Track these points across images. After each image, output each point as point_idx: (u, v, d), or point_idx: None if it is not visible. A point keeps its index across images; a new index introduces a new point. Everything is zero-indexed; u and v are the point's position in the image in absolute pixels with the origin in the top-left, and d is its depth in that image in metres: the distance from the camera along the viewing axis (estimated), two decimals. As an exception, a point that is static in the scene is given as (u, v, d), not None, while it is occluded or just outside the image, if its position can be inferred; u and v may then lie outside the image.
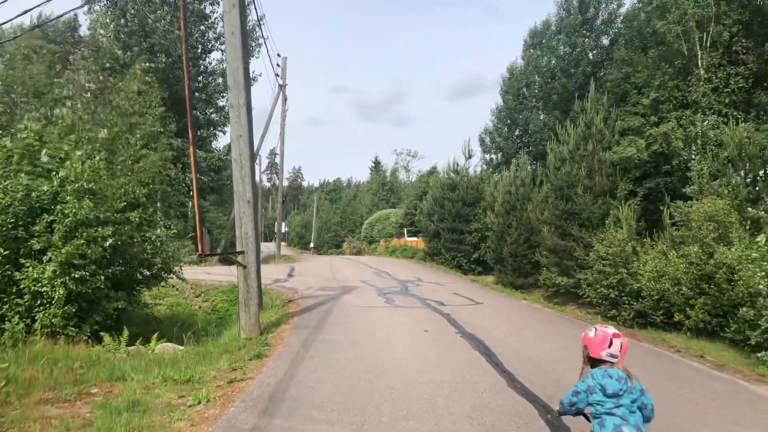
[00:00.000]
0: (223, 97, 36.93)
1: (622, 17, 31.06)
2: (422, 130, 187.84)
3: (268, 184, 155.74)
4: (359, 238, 69.68)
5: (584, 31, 31.84)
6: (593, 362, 4.66)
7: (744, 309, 12.97)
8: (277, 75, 34.88)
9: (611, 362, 4.50)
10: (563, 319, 17.44)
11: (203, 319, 17.50)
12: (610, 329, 4.66)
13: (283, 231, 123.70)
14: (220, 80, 37.25)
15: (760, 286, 12.07)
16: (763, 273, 12.13)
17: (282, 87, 35.48)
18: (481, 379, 9.44)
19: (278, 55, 36.10)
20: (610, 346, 4.49)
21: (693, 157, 20.66)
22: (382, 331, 13.47)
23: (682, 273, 16.27)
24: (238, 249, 11.96)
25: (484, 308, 18.83)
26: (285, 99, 36.24)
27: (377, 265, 36.51)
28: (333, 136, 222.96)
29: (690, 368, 11.08)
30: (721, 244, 15.89)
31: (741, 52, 20.80)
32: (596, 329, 4.73)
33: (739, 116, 20.10)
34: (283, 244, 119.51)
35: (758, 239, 14.41)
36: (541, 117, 34.01)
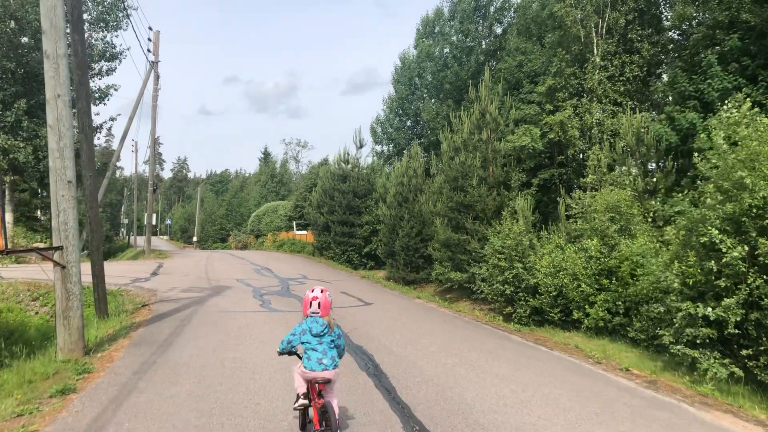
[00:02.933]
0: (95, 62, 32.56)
1: (515, 6, 30.42)
2: (316, 123, 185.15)
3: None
4: (246, 232, 66.43)
5: (477, 18, 30.91)
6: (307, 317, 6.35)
7: (654, 305, 11.98)
8: (148, 50, 31.50)
9: (318, 315, 6.31)
10: (462, 323, 15.71)
11: (38, 329, 14.40)
12: (313, 293, 6.42)
13: (166, 224, 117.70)
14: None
15: (675, 284, 11.04)
16: (677, 269, 11.10)
17: (153, 64, 32.07)
18: (368, 419, 7.15)
19: (150, 28, 32.42)
20: (311, 307, 6.34)
21: (588, 147, 19.96)
22: (246, 346, 11.04)
23: (580, 268, 15.30)
24: (55, 243, 9.26)
25: (374, 310, 16.88)
26: (157, 77, 32.87)
27: (260, 260, 33.96)
28: (224, 127, 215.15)
29: (618, 387, 9.40)
30: (624, 236, 15.06)
31: (636, 40, 20.33)
32: (305, 294, 6.49)
33: (634, 105, 19.58)
34: (164, 238, 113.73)
35: (667, 230, 13.64)
36: (434, 106, 32.85)
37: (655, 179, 17.01)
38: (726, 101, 11.50)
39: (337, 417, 5.94)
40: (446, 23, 33.94)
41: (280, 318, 14.49)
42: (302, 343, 6.23)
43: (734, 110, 10.90)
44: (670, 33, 20.83)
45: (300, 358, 6.33)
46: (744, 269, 9.99)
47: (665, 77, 19.07)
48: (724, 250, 9.99)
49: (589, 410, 7.91)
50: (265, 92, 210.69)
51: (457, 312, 17.56)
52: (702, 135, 13.63)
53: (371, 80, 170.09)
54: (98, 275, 12.98)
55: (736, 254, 9.79)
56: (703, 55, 17.82)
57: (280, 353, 6.36)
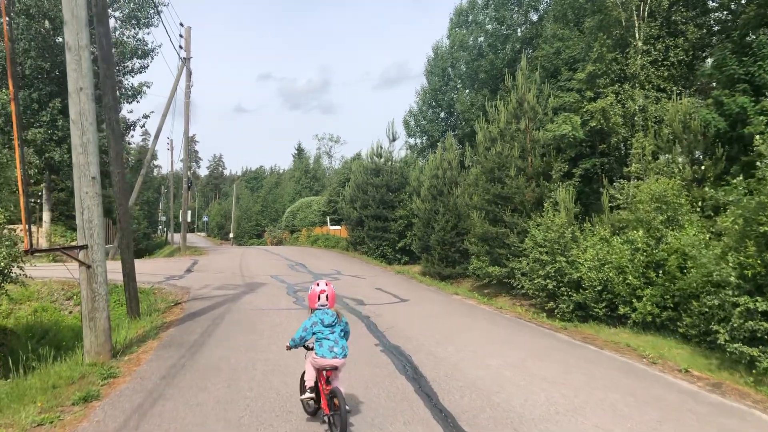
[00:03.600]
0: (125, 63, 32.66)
1: (551, -9, 29.44)
2: (349, 118, 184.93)
3: (189, 173, 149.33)
4: (281, 228, 66.58)
5: (512, 6, 30.06)
6: (314, 311, 6.64)
7: (708, 297, 11.23)
8: (180, 47, 31.46)
9: (326, 306, 6.62)
10: (504, 320, 14.97)
11: (72, 329, 14.26)
12: (319, 287, 6.68)
13: (203, 221, 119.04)
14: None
15: (732, 278, 10.28)
16: (734, 261, 10.34)
17: (186, 60, 32.03)
18: (409, 430, 6.62)
19: (181, 24, 32.38)
20: (319, 300, 6.63)
21: (632, 135, 19.06)
22: (279, 346, 10.26)
23: (626, 260, 14.55)
24: (80, 242, 8.93)
25: (410, 307, 16.25)
26: (189, 73, 32.80)
27: (294, 256, 33.65)
28: (258, 124, 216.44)
29: (680, 391, 8.61)
30: (671, 227, 14.25)
31: (680, 22, 19.34)
32: (311, 288, 6.76)
33: (679, 91, 18.62)
34: (202, 234, 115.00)
35: (719, 220, 12.81)
36: (468, 96, 32.11)
37: (703, 167, 16.08)
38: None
39: (345, 401, 6.23)
40: (480, 11, 33.16)
41: None
42: (314, 333, 6.55)
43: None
44: (717, 14, 19.77)
45: (308, 349, 6.71)
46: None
47: (711, 61, 18.04)
48: (787, 241, 9.25)
49: (650, 417, 7.25)
50: (298, 89, 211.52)
51: (497, 309, 16.88)
52: (761, 117, 12.75)
53: (403, 74, 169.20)
54: (129, 274, 12.73)
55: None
56: (753, 36, 16.82)
57: (289, 348, 6.71)
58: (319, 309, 6.61)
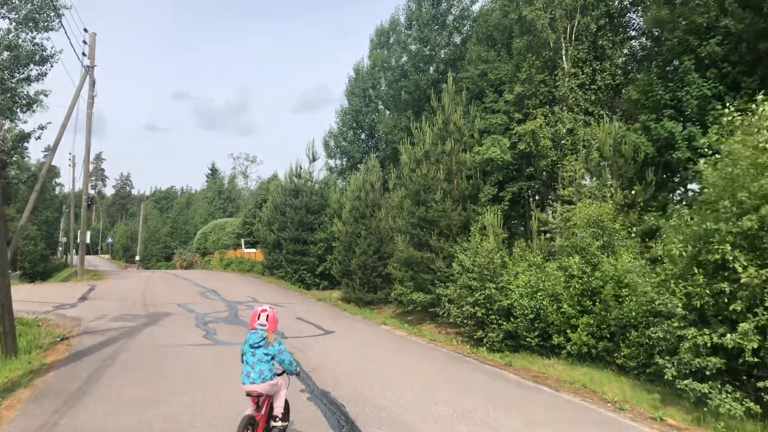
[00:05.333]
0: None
1: (475, 15, 29.39)
2: (268, 140, 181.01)
3: (93, 191, 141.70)
4: (191, 250, 63.51)
5: (436, 27, 29.77)
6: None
7: (652, 329, 10.66)
8: (84, 54, 29.05)
9: (262, 328, 6.43)
10: (442, 355, 13.74)
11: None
12: (261, 307, 6.63)
13: (107, 242, 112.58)
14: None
15: (675, 303, 9.73)
16: (681, 290, 9.80)
17: (90, 68, 29.60)
18: None
19: (85, 30, 29.96)
20: (258, 318, 6.49)
21: (561, 158, 18.80)
22: (185, 397, 8.69)
23: (561, 288, 13.97)
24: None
25: (337, 341, 14.84)
26: (93, 83, 30.34)
27: (206, 281, 31.55)
28: (170, 143, 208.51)
29: None
30: (606, 253, 13.81)
31: (607, 47, 19.38)
32: (254, 309, 6.66)
33: (607, 115, 18.55)
34: (106, 257, 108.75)
35: (656, 246, 12.41)
36: (391, 118, 31.45)
37: (633, 192, 15.89)
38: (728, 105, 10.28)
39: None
40: (403, 32, 32.77)
41: (227, 353, 12.17)
42: (242, 354, 6.44)
43: (748, 113, 9.68)
44: (642, 39, 19.99)
45: (278, 375, 6.52)
46: (760, 290, 8.80)
47: (636, 85, 18.09)
48: (739, 269, 8.75)
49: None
50: (215, 108, 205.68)
51: (431, 341, 15.71)
52: (703, 140, 12.51)
53: (324, 97, 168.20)
54: (3, 304, 10.81)
55: (757, 274, 8.54)
56: (678, 62, 16.93)
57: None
58: (254, 329, 6.44)
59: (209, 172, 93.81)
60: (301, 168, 33.51)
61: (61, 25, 22.59)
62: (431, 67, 29.62)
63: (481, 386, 10.62)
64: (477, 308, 15.77)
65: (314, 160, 33.22)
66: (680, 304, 9.72)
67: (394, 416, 8.32)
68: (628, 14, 20.80)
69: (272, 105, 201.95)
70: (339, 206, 28.82)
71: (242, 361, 6.39)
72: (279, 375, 6.51)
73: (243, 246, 49.34)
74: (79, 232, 36.81)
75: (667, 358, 10.06)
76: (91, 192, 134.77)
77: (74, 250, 62.66)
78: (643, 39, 19.99)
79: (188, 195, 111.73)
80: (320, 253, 30.83)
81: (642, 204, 16.06)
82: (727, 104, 10.12)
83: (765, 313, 8.66)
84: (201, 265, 56.91)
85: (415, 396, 9.47)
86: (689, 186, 18.13)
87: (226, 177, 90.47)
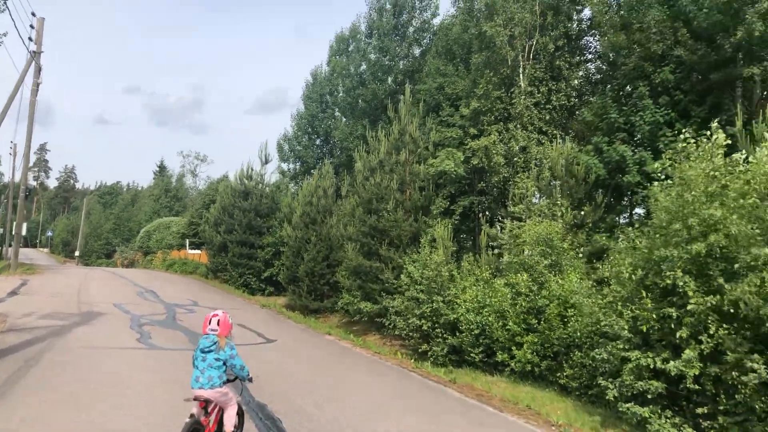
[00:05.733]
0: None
1: (435, 28, 29.46)
2: (220, 140, 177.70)
3: (34, 183, 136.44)
4: (134, 249, 61.59)
5: (396, 37, 29.72)
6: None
7: (597, 351, 10.63)
8: (30, 39, 27.77)
9: (214, 333, 6.29)
10: (386, 369, 13.46)
11: None
12: (213, 312, 6.50)
13: (47, 236, 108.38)
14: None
15: (622, 326, 9.72)
16: (629, 313, 9.79)
17: (36, 54, 28.29)
18: None
19: (33, 14, 28.64)
20: (210, 324, 6.34)
21: (513, 175, 18.87)
22: (109, 404, 8.03)
23: (508, 305, 13.90)
24: None
25: (279, 350, 14.35)
26: (39, 69, 29.03)
27: (146, 281, 30.42)
28: (120, 138, 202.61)
29: None
30: (554, 272, 13.80)
31: (564, 68, 19.60)
32: (207, 315, 6.53)
33: (560, 135, 18.73)
34: (44, 251, 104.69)
35: (602, 267, 12.45)
36: (347, 125, 31.19)
37: (583, 212, 16.02)
38: (684, 131, 10.38)
39: None
40: (363, 40, 32.61)
41: (161, 358, 11.57)
42: (194, 359, 6.30)
43: (704, 140, 9.77)
44: (598, 62, 20.33)
45: (230, 381, 6.42)
46: (705, 317, 8.85)
47: (591, 107, 18.34)
48: (690, 294, 8.78)
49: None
50: (168, 105, 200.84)
51: (376, 354, 15.36)
52: (657, 165, 12.64)
53: (281, 100, 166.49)
54: None
55: (704, 301, 8.57)
56: (631, 88, 17.23)
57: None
58: (206, 334, 6.33)
59: (157, 169, 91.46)
60: (252, 170, 32.83)
61: (6, 6, 21.51)
62: (390, 77, 29.52)
63: (425, 404, 10.34)
64: (423, 321, 15.59)
65: (267, 162, 32.61)
66: (627, 327, 9.72)
67: (335, 432, 7.87)
68: (586, 37, 21.17)
69: (228, 105, 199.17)
70: (290, 211, 28.28)
71: (193, 366, 6.26)
72: (231, 381, 6.42)
73: (187, 247, 48.06)
74: (15, 223, 35.15)
75: (610, 380, 10.03)
76: (32, 183, 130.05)
77: (8, 243, 60.01)
78: (599, 62, 20.34)
79: (134, 191, 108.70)
80: (267, 257, 30.18)
81: (591, 225, 16.21)
82: (683, 130, 10.20)
83: (709, 340, 8.70)
84: (143, 264, 55.19)
85: (357, 413, 9.10)
86: (636, 210, 18.47)
87: (174, 175, 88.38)
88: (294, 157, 37.79)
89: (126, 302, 20.41)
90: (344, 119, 32.97)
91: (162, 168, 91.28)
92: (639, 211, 18.22)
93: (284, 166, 39.20)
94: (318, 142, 37.54)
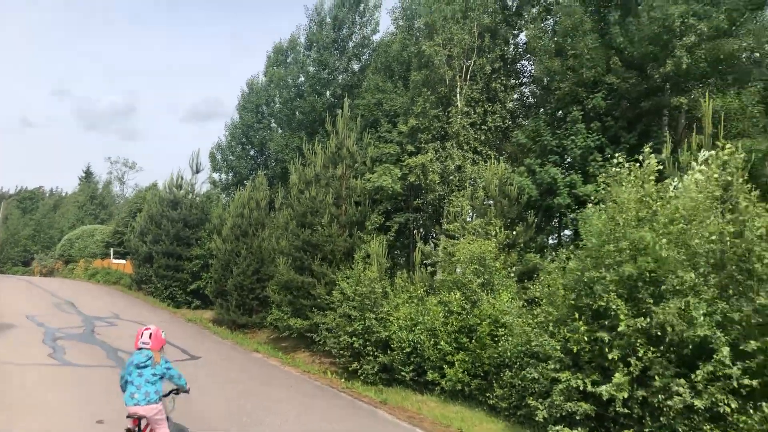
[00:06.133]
0: None
1: (375, 44, 29.51)
2: (152, 148, 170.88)
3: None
4: (54, 257, 58.68)
5: (335, 51, 29.59)
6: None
7: (528, 370, 10.64)
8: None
9: (146, 347, 6.34)
10: (314, 389, 13.08)
11: None
12: (144, 327, 6.56)
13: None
14: None
15: (554, 346, 9.75)
16: (561, 334, 9.84)
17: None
18: None
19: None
20: (141, 337, 6.41)
21: (448, 193, 18.95)
22: (19, 426, 7.45)
23: (440, 323, 13.81)
24: None
25: (204, 368, 13.69)
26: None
27: (64, 292, 28.90)
28: (44, 141, 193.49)
29: None
30: (486, 291, 13.82)
31: (500, 90, 19.91)
32: (138, 329, 6.55)
33: (494, 155, 18.97)
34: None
35: (533, 288, 12.56)
36: (283, 137, 30.70)
37: (515, 232, 16.19)
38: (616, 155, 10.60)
39: None
40: (302, 52, 32.32)
41: (75, 376, 10.78)
42: (128, 374, 6.21)
43: (635, 165, 9.98)
44: (533, 86, 20.77)
45: (165, 396, 6.47)
46: (634, 340, 8.97)
47: (523, 130, 18.68)
48: (622, 317, 8.88)
49: None
50: (98, 110, 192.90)
51: (305, 372, 14.92)
52: (590, 187, 12.88)
53: (216, 110, 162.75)
54: None
55: (633, 323, 8.69)
56: (564, 112, 17.63)
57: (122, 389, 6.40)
58: (139, 349, 6.36)
59: (83, 175, 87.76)
60: (182, 178, 31.80)
61: None
62: (328, 91, 29.31)
63: (356, 427, 10.02)
64: (355, 339, 15.31)
65: (198, 171, 31.67)
66: (558, 347, 9.75)
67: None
68: (521, 61, 21.63)
69: (160, 113, 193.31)
70: (220, 222, 27.52)
71: (124, 383, 6.23)
72: (166, 396, 6.45)
73: (112, 256, 46.14)
74: None
75: (540, 400, 10.03)
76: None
77: None
78: (534, 86, 20.79)
79: (57, 197, 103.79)
80: (195, 270, 29.21)
81: (522, 245, 16.40)
82: (616, 155, 10.40)
83: (638, 363, 8.81)
84: (63, 273, 52.62)
85: None
86: (565, 231, 18.87)
87: (101, 182, 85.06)
88: (227, 168, 36.88)
89: (40, 314, 19.23)
90: (280, 131, 32.46)
91: (88, 174, 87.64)
92: (567, 232, 18.62)
93: (216, 176, 38.25)
94: (252, 152, 36.80)
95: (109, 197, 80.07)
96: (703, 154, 9.73)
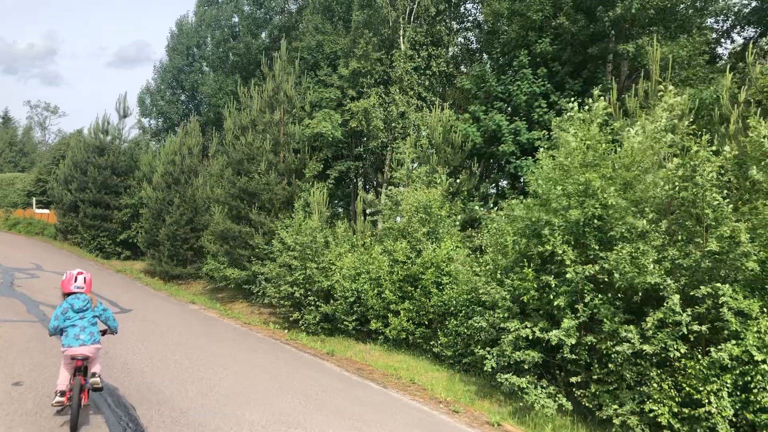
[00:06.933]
0: None
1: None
2: (76, 93, 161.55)
3: None
4: (-30, 207, 55.27)
5: (271, -10, 28.16)
6: (68, 295, 6.51)
7: (475, 319, 10.48)
8: None
9: (80, 291, 6.54)
10: (257, 342, 12.43)
11: None
12: (76, 270, 6.72)
13: None
14: None
15: (503, 295, 9.57)
16: (510, 282, 9.66)
17: None
18: None
19: None
20: (76, 281, 6.54)
21: (391, 140, 18.46)
22: None
23: (385, 273, 13.50)
24: None
25: (135, 323, 12.81)
26: None
27: (-19, 243, 27.22)
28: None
29: None
30: (431, 240, 13.56)
31: (444, 33, 19.32)
32: (66, 274, 6.67)
33: (439, 102, 18.51)
34: None
35: (479, 236, 12.37)
36: (216, 80, 29.22)
37: (458, 180, 15.93)
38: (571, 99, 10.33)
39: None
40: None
41: None
42: (65, 320, 6.32)
43: (585, 108, 9.70)
44: (477, 31, 20.26)
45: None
46: (582, 287, 8.87)
47: (468, 76, 18.22)
48: (567, 262, 8.73)
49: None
50: (16, 52, 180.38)
51: (246, 324, 14.34)
52: (543, 133, 12.62)
53: (144, 56, 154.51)
54: None
55: (581, 269, 8.56)
56: (509, 58, 17.28)
57: (51, 335, 6.55)
58: (74, 293, 6.47)
59: (0, 120, 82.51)
60: (109, 123, 29.97)
61: None
62: (264, 32, 27.96)
63: (303, 382, 9.41)
64: (296, 288, 14.87)
65: (125, 116, 29.88)
66: (508, 296, 9.59)
67: (198, 423, 6.86)
68: (467, 3, 21.03)
69: (85, 56, 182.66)
70: (150, 170, 26.23)
71: (60, 330, 6.32)
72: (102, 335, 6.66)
73: (34, 206, 43.77)
74: None
75: (488, 349, 9.89)
76: None
77: None
78: (479, 31, 20.28)
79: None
80: (125, 219, 27.91)
81: (466, 193, 16.17)
82: (565, 101, 10.13)
83: (585, 309, 8.74)
84: (-20, 224, 49.69)
85: (225, 394, 8.08)
86: (505, 180, 18.76)
87: (21, 127, 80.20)
88: (156, 113, 35.08)
89: (-47, 267, 17.89)
90: (213, 74, 30.90)
91: (6, 119, 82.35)
92: (505, 183, 18.54)
93: (146, 121, 36.40)
94: (183, 97, 35.11)
95: (30, 144, 75.76)
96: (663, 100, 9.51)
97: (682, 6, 15.32)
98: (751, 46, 12.09)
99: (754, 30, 17.94)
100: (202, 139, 25.04)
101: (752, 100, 10.82)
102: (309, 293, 14.81)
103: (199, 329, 13.28)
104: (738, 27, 18.48)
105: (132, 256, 27.74)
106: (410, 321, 12.88)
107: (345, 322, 14.13)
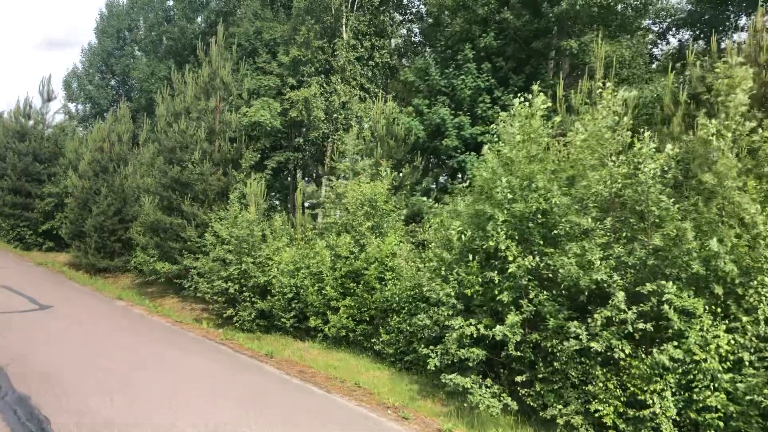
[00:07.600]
0: None
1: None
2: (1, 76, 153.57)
3: None
4: None
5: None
6: None
7: (419, 316, 10.17)
8: None
9: None
10: (190, 341, 11.70)
11: None
12: None
13: None
14: None
15: (448, 292, 9.30)
16: (455, 277, 9.43)
17: None
18: None
19: None
20: None
21: (333, 131, 17.99)
22: None
23: (327, 268, 13.06)
24: None
25: (54, 321, 11.77)
26: None
27: None
28: None
29: None
30: (375, 234, 13.20)
31: (388, 23, 18.99)
32: None
33: (382, 93, 18.18)
34: None
35: (422, 230, 12.09)
36: (149, 65, 27.96)
37: (401, 174, 15.65)
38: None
39: None
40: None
41: None
42: None
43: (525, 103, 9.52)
44: (421, 23, 20.02)
45: None
46: (526, 282, 8.71)
47: (411, 68, 17.96)
48: (510, 258, 8.54)
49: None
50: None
51: (177, 323, 13.52)
52: (477, 129, 12.44)
53: (77, 39, 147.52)
54: None
55: (524, 264, 8.39)
56: (453, 51, 17.10)
57: None
58: None
59: None
60: (31, 107, 28.19)
61: None
62: (200, 16, 26.92)
63: (241, 387, 8.79)
64: (230, 284, 14.24)
65: (49, 100, 28.13)
66: (453, 292, 9.32)
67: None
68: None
69: (6, 38, 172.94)
70: (76, 157, 24.81)
71: None
72: None
73: (-53, 193, 40.99)
74: None
75: (431, 347, 9.62)
76: None
77: None
78: (422, 24, 20.05)
79: None
80: (48, 209, 26.34)
81: (409, 187, 15.92)
82: (509, 96, 9.96)
83: (529, 305, 8.58)
84: None
85: (154, 404, 7.34)
86: (447, 175, 18.64)
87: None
88: (84, 98, 33.39)
89: None
90: (145, 58, 29.57)
91: None
92: (447, 177, 18.42)
93: (72, 106, 34.57)
94: (113, 82, 33.58)
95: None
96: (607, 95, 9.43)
97: (621, 6, 15.47)
98: (691, 46, 12.28)
99: (690, 33, 18.40)
100: (132, 126, 23.85)
101: (691, 101, 10.92)
102: (244, 289, 14.23)
103: (125, 327, 12.40)
104: (673, 29, 18.91)
105: (55, 247, 26.23)
106: (351, 318, 12.51)
107: (282, 319, 13.64)
